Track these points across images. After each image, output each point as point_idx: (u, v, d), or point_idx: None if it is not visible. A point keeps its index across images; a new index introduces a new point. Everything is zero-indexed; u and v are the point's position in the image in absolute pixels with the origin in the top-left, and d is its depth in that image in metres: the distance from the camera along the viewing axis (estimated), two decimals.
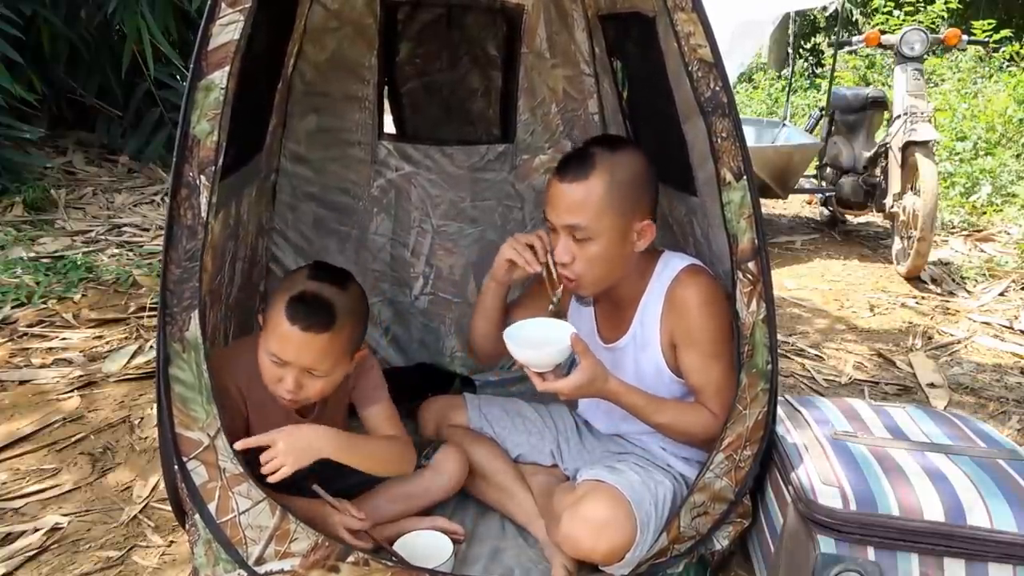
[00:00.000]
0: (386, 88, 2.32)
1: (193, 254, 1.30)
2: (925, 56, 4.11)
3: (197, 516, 1.39)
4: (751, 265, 1.42)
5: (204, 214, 1.29)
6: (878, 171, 4.34)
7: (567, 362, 1.56)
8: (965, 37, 4.09)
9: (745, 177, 1.39)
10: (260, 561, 1.40)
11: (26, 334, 2.71)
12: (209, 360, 1.37)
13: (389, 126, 2.39)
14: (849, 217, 5.01)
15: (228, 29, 1.26)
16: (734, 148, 1.39)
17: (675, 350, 1.60)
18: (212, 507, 1.38)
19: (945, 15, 8.70)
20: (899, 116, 3.95)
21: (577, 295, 1.75)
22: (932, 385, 2.69)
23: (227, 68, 1.26)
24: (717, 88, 1.37)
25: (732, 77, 6.60)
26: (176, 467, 1.37)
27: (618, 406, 1.57)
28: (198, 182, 1.29)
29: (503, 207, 2.41)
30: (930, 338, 3.16)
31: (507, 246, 1.61)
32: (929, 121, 3.86)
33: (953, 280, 3.86)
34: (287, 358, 1.46)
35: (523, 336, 1.54)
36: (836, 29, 5.76)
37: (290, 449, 1.42)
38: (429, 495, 1.74)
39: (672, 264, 1.62)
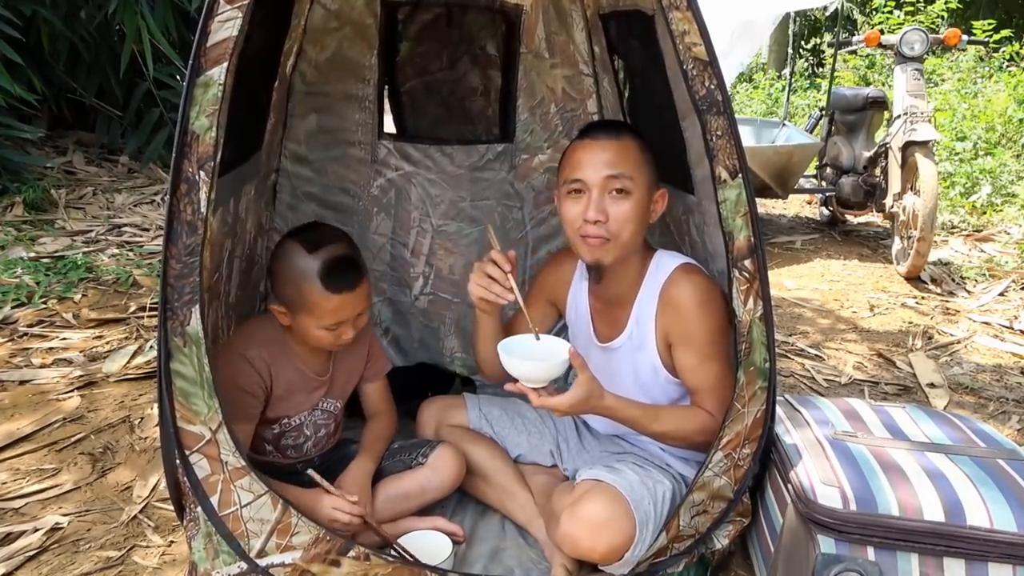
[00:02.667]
0: (386, 88, 2.32)
1: (193, 249, 1.31)
2: (925, 56, 4.11)
3: (199, 509, 1.39)
4: (748, 263, 1.42)
5: (204, 210, 1.30)
6: (878, 171, 4.35)
7: (561, 380, 1.54)
8: (965, 37, 4.09)
9: (741, 175, 1.39)
10: (261, 554, 1.40)
11: (26, 334, 2.71)
12: (222, 344, 1.48)
13: (389, 126, 2.39)
14: (849, 217, 5.01)
15: (227, 26, 1.27)
16: (729, 146, 1.39)
17: (670, 349, 1.60)
18: (214, 500, 1.39)
19: (945, 15, 8.71)
20: (899, 116, 3.95)
21: (588, 264, 1.68)
22: (932, 385, 2.69)
23: (225, 64, 1.27)
24: (712, 86, 1.37)
25: (732, 77, 6.62)
26: (178, 461, 1.38)
27: (617, 421, 1.55)
28: (197, 178, 1.29)
29: (503, 207, 2.41)
30: (930, 338, 3.16)
31: (473, 284, 1.56)
32: (929, 121, 3.86)
33: (953, 280, 3.86)
34: (346, 318, 1.59)
35: (518, 351, 1.50)
36: (836, 29, 5.76)
37: (363, 494, 1.64)
38: (426, 494, 1.75)
39: (665, 263, 1.62)
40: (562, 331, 1.93)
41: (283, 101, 2.13)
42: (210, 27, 1.26)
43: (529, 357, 1.47)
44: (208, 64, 1.27)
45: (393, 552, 1.55)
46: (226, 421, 1.39)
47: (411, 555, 1.54)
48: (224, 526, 1.39)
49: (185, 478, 1.39)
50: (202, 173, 1.29)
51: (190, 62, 1.27)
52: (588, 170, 1.52)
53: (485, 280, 1.54)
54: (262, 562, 1.40)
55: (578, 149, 1.55)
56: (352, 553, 1.42)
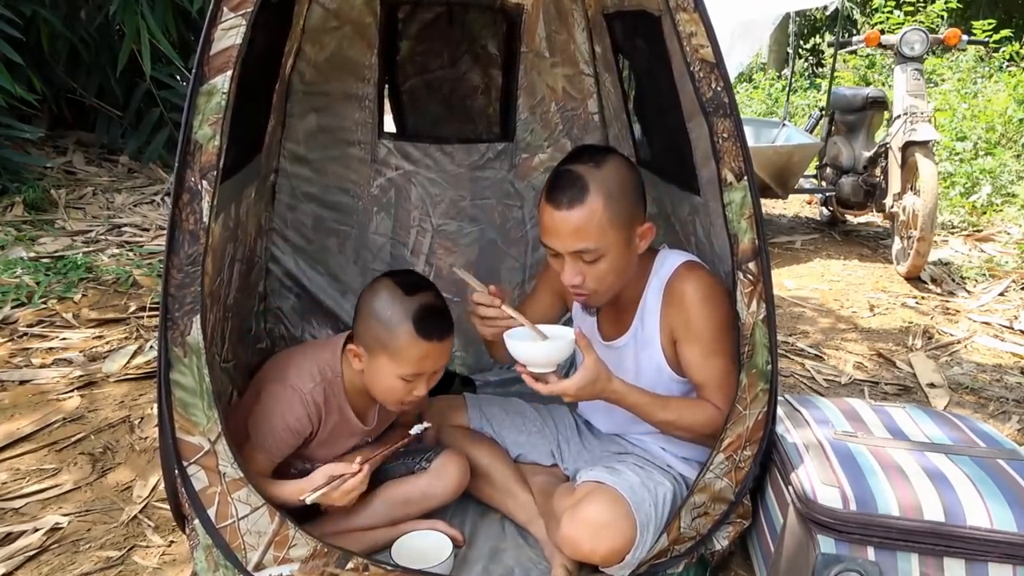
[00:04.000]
0: (386, 87, 2.32)
1: (195, 259, 1.30)
2: (925, 56, 4.11)
3: (197, 521, 1.39)
4: (752, 265, 1.42)
5: (206, 219, 1.29)
6: (878, 171, 4.34)
7: (565, 366, 1.55)
8: (965, 37, 4.09)
9: (746, 178, 1.39)
10: (259, 567, 1.40)
11: (26, 334, 2.71)
12: (273, 369, 1.50)
13: (389, 125, 2.39)
14: (849, 217, 5.01)
15: (230, 34, 1.26)
16: (735, 148, 1.39)
17: (675, 346, 1.59)
18: (211, 512, 1.39)
19: (945, 15, 8.70)
20: (899, 116, 3.95)
21: (587, 307, 1.74)
22: (932, 385, 2.69)
23: (229, 73, 1.26)
24: (719, 88, 1.37)
25: (732, 77, 6.60)
26: (176, 472, 1.37)
27: (621, 407, 1.55)
28: (200, 187, 1.28)
29: (503, 206, 2.41)
30: (930, 338, 3.16)
31: (481, 329, 1.57)
32: (929, 121, 3.86)
33: (953, 280, 3.86)
34: (427, 369, 1.54)
35: (524, 337, 1.51)
36: (836, 29, 5.76)
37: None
38: (427, 500, 1.73)
39: (669, 260, 1.62)
40: (568, 323, 1.93)
41: (282, 101, 2.13)
42: (213, 35, 1.25)
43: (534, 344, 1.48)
44: (211, 72, 1.26)
45: (391, 561, 1.55)
46: (242, 444, 1.38)
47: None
48: (221, 538, 1.39)
49: (183, 489, 1.38)
50: (204, 182, 1.28)
51: (193, 70, 1.26)
52: (555, 240, 1.51)
53: (486, 322, 1.55)
54: (260, 575, 1.40)
55: (544, 213, 1.52)
56: (350, 565, 1.42)
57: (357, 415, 1.66)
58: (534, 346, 1.46)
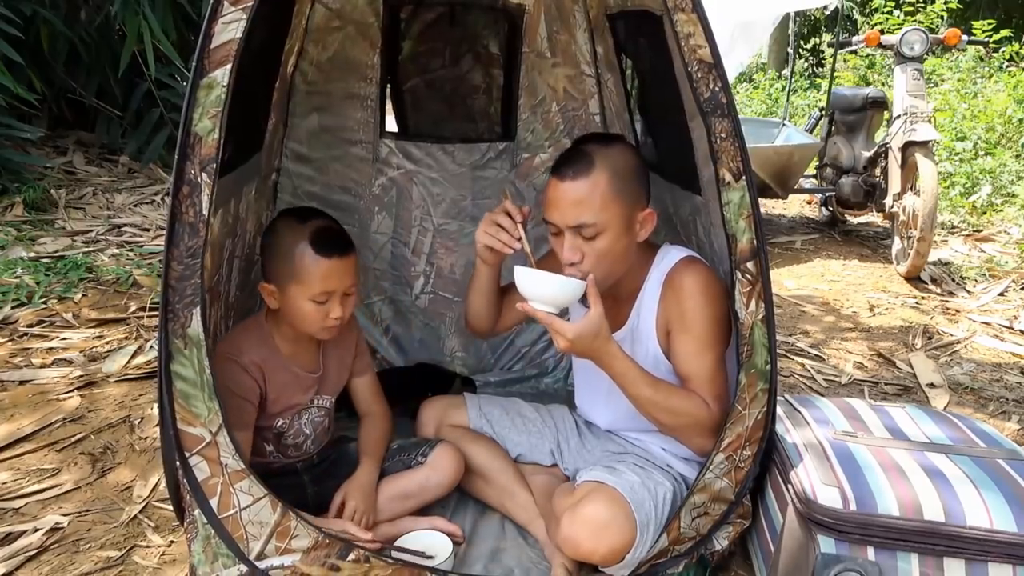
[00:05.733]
0: (388, 86, 2.32)
1: (195, 251, 1.31)
2: (925, 56, 4.11)
3: (197, 512, 1.39)
4: (750, 265, 1.42)
5: (205, 212, 1.30)
6: (878, 171, 4.35)
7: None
8: (965, 37, 4.09)
9: (744, 177, 1.39)
10: (261, 556, 1.40)
11: (26, 334, 2.71)
12: (213, 353, 1.44)
13: (391, 124, 2.39)
14: (849, 217, 5.01)
15: (230, 27, 1.26)
16: (733, 148, 1.39)
17: (669, 337, 1.59)
18: (214, 503, 1.39)
19: (945, 15, 8.70)
20: (899, 116, 3.95)
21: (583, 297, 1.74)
22: (932, 385, 2.69)
23: (229, 66, 1.27)
24: (717, 89, 1.37)
25: (732, 77, 6.62)
26: (178, 463, 1.38)
27: (611, 372, 1.51)
28: (199, 180, 1.29)
29: None
30: (930, 338, 3.16)
31: (480, 232, 1.61)
32: (929, 121, 3.86)
33: (953, 280, 3.86)
34: (334, 287, 1.59)
35: (535, 274, 1.48)
36: (836, 29, 5.76)
37: (365, 503, 1.65)
38: (425, 493, 1.76)
39: (671, 255, 1.63)
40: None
41: (284, 101, 2.13)
42: (214, 29, 1.26)
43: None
44: (211, 66, 1.27)
45: (392, 554, 1.55)
46: (227, 428, 1.38)
47: (417, 552, 1.54)
48: (223, 529, 1.39)
49: (185, 480, 1.38)
50: (204, 175, 1.29)
51: (193, 64, 1.26)
52: (556, 214, 1.52)
53: (493, 228, 1.58)
54: (262, 564, 1.40)
55: (549, 187, 1.54)
56: (352, 556, 1.42)
57: (302, 366, 1.71)
58: (544, 279, 1.43)
